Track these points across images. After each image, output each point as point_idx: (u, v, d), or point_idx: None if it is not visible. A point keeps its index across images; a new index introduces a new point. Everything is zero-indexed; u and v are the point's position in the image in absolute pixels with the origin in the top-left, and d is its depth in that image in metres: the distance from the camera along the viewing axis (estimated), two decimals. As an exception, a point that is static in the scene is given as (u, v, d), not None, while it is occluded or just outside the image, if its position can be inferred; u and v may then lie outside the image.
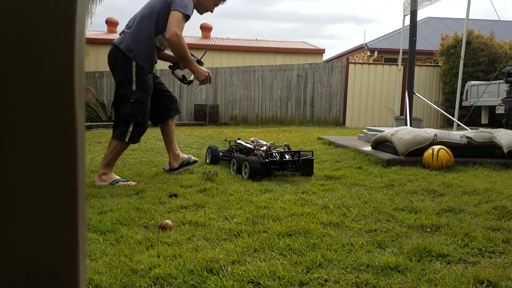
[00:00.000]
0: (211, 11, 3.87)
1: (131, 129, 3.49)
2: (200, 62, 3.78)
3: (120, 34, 3.62)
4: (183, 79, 3.79)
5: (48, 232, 0.37)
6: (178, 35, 3.38)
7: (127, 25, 3.62)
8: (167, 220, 2.31)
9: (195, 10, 3.65)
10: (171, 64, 3.85)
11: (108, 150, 3.55)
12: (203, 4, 3.74)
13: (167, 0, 3.45)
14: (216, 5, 3.84)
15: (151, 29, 3.49)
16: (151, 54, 3.54)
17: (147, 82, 3.54)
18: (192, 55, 3.68)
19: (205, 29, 19.94)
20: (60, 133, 0.37)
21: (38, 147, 0.37)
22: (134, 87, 3.47)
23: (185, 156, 3.96)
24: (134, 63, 3.45)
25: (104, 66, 15.15)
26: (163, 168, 4.04)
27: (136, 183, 3.47)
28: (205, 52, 4.16)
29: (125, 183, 3.44)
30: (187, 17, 3.44)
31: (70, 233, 0.38)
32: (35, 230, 0.38)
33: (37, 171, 0.37)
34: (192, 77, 3.76)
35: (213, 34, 20.53)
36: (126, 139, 3.49)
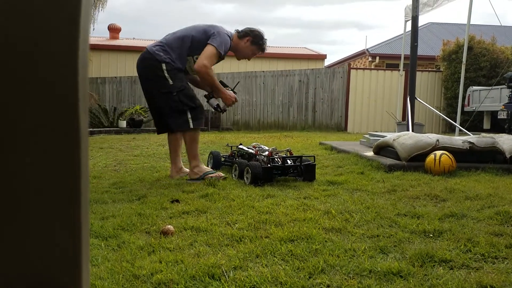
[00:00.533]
0: (248, 59, 4.15)
1: (189, 116, 3.73)
2: (233, 92, 3.99)
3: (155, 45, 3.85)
4: (217, 108, 4.00)
5: (50, 240, 0.38)
6: (206, 67, 3.66)
7: (164, 37, 3.88)
8: (169, 226, 2.31)
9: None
10: (206, 93, 4.03)
11: (186, 146, 3.83)
12: (241, 52, 4.01)
13: (207, 32, 3.74)
14: (254, 54, 4.09)
15: (184, 48, 3.76)
16: (182, 64, 3.78)
17: (179, 74, 3.77)
18: (225, 84, 3.95)
19: (207, 35, 20.00)
20: (63, 137, 0.37)
21: (41, 151, 0.37)
22: (171, 82, 3.70)
23: (187, 170, 4.00)
24: (163, 64, 3.68)
25: (106, 72, 15.21)
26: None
27: (224, 175, 3.79)
28: (239, 82, 4.35)
29: (214, 175, 3.76)
30: (219, 54, 3.71)
31: (73, 241, 0.38)
32: (37, 237, 0.38)
33: (40, 176, 0.37)
34: (223, 105, 3.98)
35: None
36: (191, 126, 3.73)
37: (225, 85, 3.96)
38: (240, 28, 4.02)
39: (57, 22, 0.37)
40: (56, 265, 0.38)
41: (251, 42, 3.96)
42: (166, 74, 3.67)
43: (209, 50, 3.68)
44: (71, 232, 0.38)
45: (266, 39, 4.04)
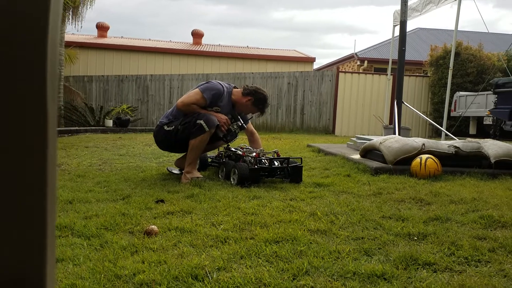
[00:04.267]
0: (245, 114, 4.24)
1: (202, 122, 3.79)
2: (242, 127, 4.07)
3: None
4: (224, 137, 4.04)
5: (12, 233, 0.36)
6: (182, 102, 3.89)
7: None
8: (153, 226, 2.28)
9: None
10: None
11: (188, 151, 3.94)
12: (240, 107, 4.09)
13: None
14: (252, 113, 4.18)
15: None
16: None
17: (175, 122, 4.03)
18: (236, 120, 4.00)
19: (196, 35, 19.95)
20: (28, 123, 0.35)
21: (3, 139, 0.35)
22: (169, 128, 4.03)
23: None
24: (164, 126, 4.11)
25: (93, 71, 15.09)
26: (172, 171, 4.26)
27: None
28: (252, 117, 4.46)
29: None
30: (201, 96, 3.85)
31: (37, 234, 0.36)
32: None
33: (2, 165, 0.35)
34: (222, 134, 4.00)
35: (205, 40, 20.55)
36: (207, 129, 3.78)
37: (238, 121, 4.03)
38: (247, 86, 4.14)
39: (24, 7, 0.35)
40: (19, 258, 0.36)
41: (252, 103, 4.03)
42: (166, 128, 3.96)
43: (191, 90, 4.01)
44: (35, 227, 0.36)
45: (268, 104, 4.13)
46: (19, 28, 0.35)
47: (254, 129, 4.34)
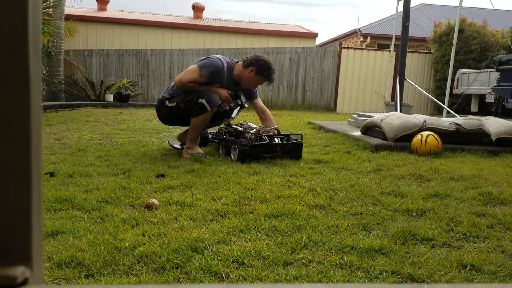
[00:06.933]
0: (254, 87, 4.11)
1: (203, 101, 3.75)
2: (242, 106, 4.05)
3: None
4: (224, 113, 4.01)
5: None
6: (180, 80, 3.82)
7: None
8: (154, 200, 2.30)
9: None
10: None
11: (189, 129, 3.93)
12: (245, 81, 3.94)
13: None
14: (260, 84, 4.02)
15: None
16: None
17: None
18: (237, 97, 3.96)
19: (197, 9, 19.66)
20: (11, 92, 0.34)
21: None
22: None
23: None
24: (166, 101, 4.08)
25: (93, 45, 14.94)
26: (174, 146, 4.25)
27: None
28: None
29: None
30: (199, 72, 3.77)
31: (21, 201, 0.35)
32: None
33: None
34: (222, 110, 3.95)
35: (205, 14, 20.28)
36: (208, 108, 3.74)
37: (240, 101, 3.99)
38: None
39: None
40: (3, 226, 0.36)
41: (255, 72, 3.85)
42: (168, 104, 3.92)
43: (189, 67, 3.91)
44: (22, 198, 0.36)
45: (273, 69, 3.93)
46: None
47: (264, 106, 4.16)
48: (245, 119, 4.64)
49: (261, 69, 3.85)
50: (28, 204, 0.36)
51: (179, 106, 3.83)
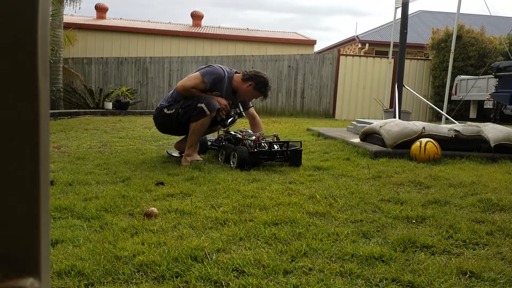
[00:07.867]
0: (249, 101, 4.24)
1: (203, 106, 3.80)
2: (241, 115, 4.10)
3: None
4: (221, 121, 4.04)
5: (7, 211, 0.36)
6: (182, 86, 3.88)
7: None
8: (153, 208, 2.29)
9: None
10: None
11: (188, 135, 3.93)
12: (242, 94, 4.05)
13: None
14: (255, 98, 4.17)
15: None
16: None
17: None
18: (235, 106, 4.03)
19: (196, 17, 19.74)
20: (19, 103, 0.35)
21: None
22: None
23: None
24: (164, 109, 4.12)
25: (93, 53, 14.98)
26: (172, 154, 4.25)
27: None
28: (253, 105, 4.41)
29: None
30: (201, 79, 3.85)
31: (30, 210, 0.36)
32: None
33: None
34: (219, 119, 3.99)
35: (204, 22, 20.35)
36: (208, 112, 3.78)
37: (238, 109, 4.04)
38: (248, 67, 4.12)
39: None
40: (10, 234, 0.36)
41: (253, 87, 3.99)
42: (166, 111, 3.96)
43: (192, 74, 3.99)
44: (30, 208, 0.36)
45: (270, 86, 4.07)
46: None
47: (255, 113, 4.32)
48: (244, 126, 4.65)
49: (259, 85, 4.00)
50: (37, 214, 0.36)
51: (178, 112, 3.86)
